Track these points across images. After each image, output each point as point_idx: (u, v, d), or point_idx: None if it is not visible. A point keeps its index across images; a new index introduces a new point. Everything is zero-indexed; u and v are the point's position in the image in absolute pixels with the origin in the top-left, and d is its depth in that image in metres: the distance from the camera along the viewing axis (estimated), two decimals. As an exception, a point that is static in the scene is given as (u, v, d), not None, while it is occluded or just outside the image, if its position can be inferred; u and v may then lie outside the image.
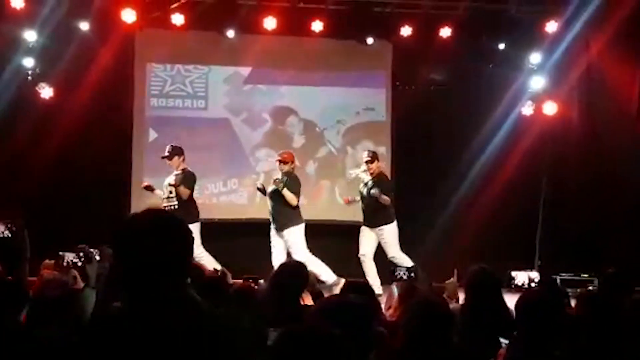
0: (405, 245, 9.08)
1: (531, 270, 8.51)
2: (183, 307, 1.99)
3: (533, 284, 8.04)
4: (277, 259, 8.07)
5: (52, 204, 9.26)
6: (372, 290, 4.71)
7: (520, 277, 8.38)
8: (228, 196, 10.10)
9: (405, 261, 8.07)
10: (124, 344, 1.94)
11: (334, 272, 8.13)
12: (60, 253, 4.70)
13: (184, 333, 1.95)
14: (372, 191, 8.39)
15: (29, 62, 9.35)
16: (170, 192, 8.26)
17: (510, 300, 3.78)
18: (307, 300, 4.66)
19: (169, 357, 1.93)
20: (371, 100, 10.51)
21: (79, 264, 3.90)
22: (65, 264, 4.49)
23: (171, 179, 8.30)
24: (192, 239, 2.10)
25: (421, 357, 2.98)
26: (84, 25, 9.32)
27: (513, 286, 8.08)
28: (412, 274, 6.14)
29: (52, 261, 5.85)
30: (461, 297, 5.28)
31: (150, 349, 1.92)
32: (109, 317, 2.09)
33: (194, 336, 1.95)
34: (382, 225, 8.52)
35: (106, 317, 2.09)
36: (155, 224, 2.05)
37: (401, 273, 6.29)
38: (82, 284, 4.16)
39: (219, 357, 1.97)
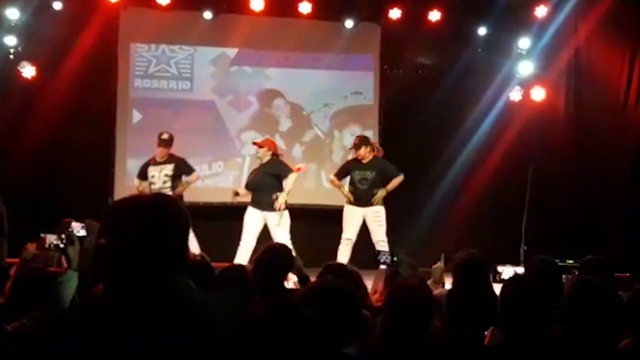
0: (393, 230, 9.03)
1: (517, 265, 8.47)
2: (175, 296, 1.88)
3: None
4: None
5: (34, 185, 9.14)
6: (357, 274, 4.66)
7: (507, 272, 8.34)
8: (213, 179, 10.00)
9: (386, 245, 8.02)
10: (104, 338, 1.82)
11: (319, 257, 8.04)
12: (42, 235, 4.59)
13: (174, 325, 1.83)
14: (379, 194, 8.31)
15: (10, 41, 9.18)
16: (165, 182, 8.12)
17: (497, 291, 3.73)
18: (293, 284, 4.61)
19: (152, 351, 1.81)
20: (359, 84, 10.43)
21: (61, 245, 3.79)
22: (47, 246, 4.39)
23: (168, 169, 8.14)
24: (190, 224, 2.01)
25: (401, 342, 2.95)
26: (67, 4, 9.15)
27: (499, 280, 8.04)
28: (395, 259, 6.11)
29: (34, 244, 5.76)
30: (448, 282, 5.24)
31: (132, 342, 1.80)
32: (89, 308, 1.97)
33: (182, 329, 1.84)
34: (381, 205, 8.41)
35: (86, 308, 1.98)
36: (157, 205, 1.95)
37: (385, 257, 6.26)
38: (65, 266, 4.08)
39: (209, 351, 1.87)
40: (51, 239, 2.49)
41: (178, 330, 1.83)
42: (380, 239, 8.23)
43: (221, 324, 1.94)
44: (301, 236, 8.15)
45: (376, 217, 8.35)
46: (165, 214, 1.94)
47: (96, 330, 1.82)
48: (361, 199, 8.30)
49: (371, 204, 8.29)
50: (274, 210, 7.95)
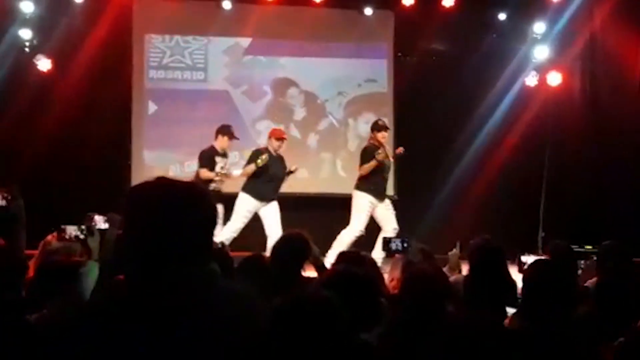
0: (408, 217, 9.03)
1: (538, 253, 8.43)
2: (198, 285, 1.81)
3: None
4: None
5: (51, 177, 9.20)
6: (373, 261, 4.68)
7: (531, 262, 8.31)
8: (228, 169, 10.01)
9: None
10: (123, 329, 1.76)
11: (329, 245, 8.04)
12: (62, 226, 4.64)
13: (197, 314, 1.77)
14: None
15: (25, 34, 9.22)
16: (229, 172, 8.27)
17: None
18: (311, 272, 4.62)
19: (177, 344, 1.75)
20: (373, 72, 10.40)
21: (81, 236, 3.83)
22: (67, 237, 4.44)
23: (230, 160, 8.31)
24: (217, 212, 1.95)
25: (417, 330, 2.96)
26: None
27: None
28: (406, 245, 6.10)
29: (54, 236, 5.81)
30: (464, 268, 5.23)
31: (152, 332, 1.75)
32: (109, 298, 1.92)
33: (206, 318, 1.78)
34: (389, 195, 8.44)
35: (106, 298, 1.93)
36: (182, 192, 1.86)
37: (397, 244, 6.25)
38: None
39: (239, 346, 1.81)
40: (71, 230, 2.50)
41: (201, 319, 1.78)
42: (395, 227, 8.21)
43: (250, 311, 1.89)
44: (317, 225, 8.12)
45: (388, 208, 8.32)
46: (191, 202, 1.85)
47: (115, 321, 1.78)
48: (379, 192, 8.28)
49: (385, 197, 8.32)
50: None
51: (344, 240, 7.99)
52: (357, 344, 2.45)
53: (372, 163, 8.02)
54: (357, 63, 10.37)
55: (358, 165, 8.33)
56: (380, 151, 8.08)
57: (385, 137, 8.31)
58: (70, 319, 2.13)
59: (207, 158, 8.23)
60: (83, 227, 2.48)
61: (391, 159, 8.32)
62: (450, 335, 2.11)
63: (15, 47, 9.23)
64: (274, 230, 7.93)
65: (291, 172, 8.38)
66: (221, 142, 8.33)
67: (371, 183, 8.16)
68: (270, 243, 7.65)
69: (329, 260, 6.55)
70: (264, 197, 8.23)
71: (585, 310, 3.37)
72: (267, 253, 4.46)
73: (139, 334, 1.75)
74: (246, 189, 8.26)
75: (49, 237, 4.76)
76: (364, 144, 8.69)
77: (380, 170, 8.15)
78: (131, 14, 9.81)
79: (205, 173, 8.15)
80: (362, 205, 8.17)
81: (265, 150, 8.28)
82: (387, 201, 8.34)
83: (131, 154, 9.79)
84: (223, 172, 8.26)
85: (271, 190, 8.29)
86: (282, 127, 9.77)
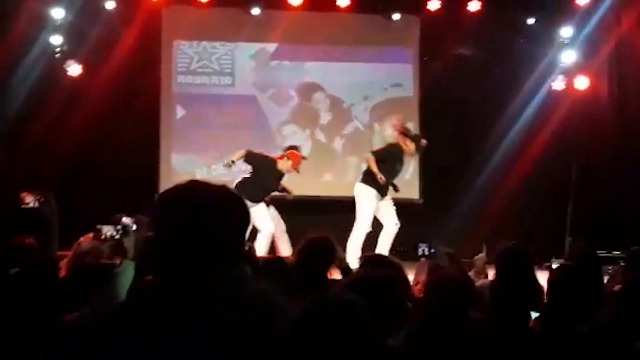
0: (434, 221, 9.03)
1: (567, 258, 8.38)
2: (232, 289, 1.83)
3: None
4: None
5: (81, 181, 9.33)
6: (399, 265, 4.68)
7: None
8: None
9: None
10: (157, 330, 1.79)
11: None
12: (98, 227, 4.72)
13: (228, 314, 1.80)
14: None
15: (56, 40, 9.38)
16: None
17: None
18: (336, 275, 4.64)
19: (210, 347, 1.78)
20: (398, 76, 10.42)
21: (117, 236, 3.89)
22: (102, 237, 4.50)
23: None
24: (247, 216, 1.95)
25: (441, 333, 2.97)
26: (111, 3, 9.33)
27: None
28: (433, 250, 6.09)
29: (88, 236, 5.89)
30: (490, 273, 5.22)
31: (185, 332, 1.77)
32: (141, 300, 1.94)
33: (238, 318, 1.80)
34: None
35: (139, 300, 1.96)
36: (214, 194, 1.90)
37: (423, 249, 6.24)
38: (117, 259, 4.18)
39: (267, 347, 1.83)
40: (107, 230, 2.55)
41: (231, 318, 1.80)
42: (397, 222, 8.07)
43: (278, 312, 1.92)
44: (342, 228, 8.15)
45: (392, 205, 8.16)
46: (223, 204, 1.89)
47: (146, 322, 1.81)
48: (384, 190, 8.08)
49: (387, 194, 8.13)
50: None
51: (355, 243, 7.91)
52: (381, 348, 2.46)
53: (375, 173, 7.86)
54: (383, 67, 10.39)
55: (372, 150, 8.16)
56: (380, 177, 7.84)
57: (413, 153, 8.16)
58: (101, 321, 2.16)
59: None
60: (119, 227, 2.52)
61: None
62: (473, 338, 2.12)
63: (47, 53, 9.40)
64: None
65: (285, 191, 8.34)
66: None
67: (377, 178, 7.93)
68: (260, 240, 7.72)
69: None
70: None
71: (609, 314, 3.36)
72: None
73: (170, 333, 1.78)
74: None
75: (81, 239, 4.86)
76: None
77: (389, 170, 7.99)
78: (160, 20, 9.95)
79: None
80: (366, 205, 7.99)
81: None
82: (389, 198, 8.15)
83: (159, 157, 9.90)
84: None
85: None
86: (307, 131, 9.83)
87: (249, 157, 8.10)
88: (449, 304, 3.08)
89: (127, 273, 2.60)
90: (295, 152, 8.29)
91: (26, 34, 9.21)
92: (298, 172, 8.18)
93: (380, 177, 7.83)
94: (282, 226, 8.14)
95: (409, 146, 8.05)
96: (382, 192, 8.01)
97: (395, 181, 8.18)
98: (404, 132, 8.17)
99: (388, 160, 8.01)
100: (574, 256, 4.98)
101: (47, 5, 9.24)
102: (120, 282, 2.60)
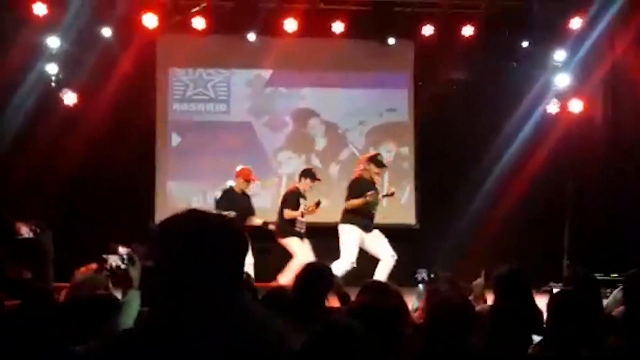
0: (430, 246, 9.01)
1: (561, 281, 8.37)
2: (231, 318, 1.84)
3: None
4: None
5: (76, 209, 9.31)
6: (398, 292, 4.65)
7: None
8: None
9: None
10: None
11: (361, 275, 8.00)
12: (104, 256, 4.70)
13: (231, 349, 1.80)
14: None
15: (52, 69, 9.41)
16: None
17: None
18: (334, 302, 4.62)
19: None
20: (393, 101, 10.46)
21: (122, 266, 3.86)
22: (109, 267, 4.47)
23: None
24: (246, 244, 1.98)
25: (443, 357, 2.95)
26: (106, 31, 9.38)
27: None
28: (432, 276, 6.06)
29: (87, 267, 5.84)
30: (489, 298, 5.20)
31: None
32: (144, 331, 1.93)
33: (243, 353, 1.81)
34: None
35: (141, 331, 1.95)
36: (213, 224, 1.91)
37: (423, 274, 6.21)
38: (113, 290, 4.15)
39: None
40: (112, 260, 2.53)
41: (232, 345, 1.81)
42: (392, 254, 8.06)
43: (279, 339, 1.93)
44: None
45: (381, 236, 8.14)
46: (222, 233, 1.91)
47: (148, 351, 1.82)
48: (370, 223, 8.10)
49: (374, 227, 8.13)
50: None
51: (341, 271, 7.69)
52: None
53: (361, 201, 7.83)
54: (378, 92, 10.44)
55: (345, 197, 8.10)
56: (370, 193, 7.84)
57: (380, 175, 8.13)
58: (106, 350, 2.16)
59: (292, 199, 8.27)
60: (125, 256, 2.50)
61: (380, 198, 8.11)
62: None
63: (42, 81, 9.41)
64: None
65: (267, 223, 8.40)
66: (304, 185, 8.34)
67: (358, 215, 7.95)
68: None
69: None
70: None
71: (612, 339, 3.34)
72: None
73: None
74: None
75: (80, 270, 4.83)
76: (386, 174, 8.66)
77: (368, 205, 7.94)
78: (155, 48, 9.99)
79: (290, 213, 8.18)
80: (350, 239, 7.96)
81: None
82: (376, 231, 8.12)
83: (155, 184, 9.89)
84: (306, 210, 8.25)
85: None
86: (303, 157, 9.83)
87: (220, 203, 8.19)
88: (450, 329, 3.06)
89: (133, 303, 2.59)
90: (243, 167, 8.39)
91: (22, 62, 9.23)
92: (256, 181, 8.43)
93: (366, 198, 7.81)
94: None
95: (370, 169, 8.01)
96: (366, 228, 7.99)
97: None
98: (364, 164, 8.14)
99: (361, 194, 7.94)
100: (572, 280, 4.98)
101: (43, 34, 9.26)
102: (128, 313, 2.59)
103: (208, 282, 1.84)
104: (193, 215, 1.92)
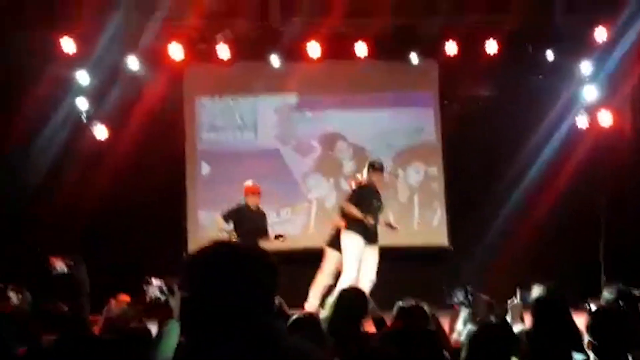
0: (463, 264, 8.94)
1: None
2: (266, 342, 1.88)
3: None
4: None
5: (108, 242, 9.36)
6: (434, 315, 4.62)
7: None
8: (282, 226, 10.02)
9: None
10: None
11: (391, 297, 7.93)
12: (145, 287, 4.73)
13: None
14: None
15: (82, 103, 9.56)
16: None
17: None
18: (370, 327, 4.60)
19: None
20: (420, 121, 10.43)
21: (162, 297, 3.91)
22: (149, 299, 4.51)
23: None
24: (277, 274, 2.01)
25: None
26: (134, 63, 9.49)
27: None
28: (470, 297, 6.00)
29: (119, 299, 5.88)
30: (526, 318, 5.14)
31: None
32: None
33: None
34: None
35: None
36: (242, 255, 1.97)
37: (459, 297, 6.15)
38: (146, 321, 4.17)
39: None
40: (152, 290, 2.54)
41: None
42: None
43: None
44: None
45: (376, 254, 8.04)
46: (252, 266, 1.96)
47: None
48: (372, 236, 8.04)
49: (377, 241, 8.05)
50: None
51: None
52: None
53: (359, 215, 7.78)
54: (404, 113, 10.42)
55: (346, 200, 8.08)
56: (369, 207, 7.83)
57: (381, 180, 8.11)
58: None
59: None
60: (164, 287, 2.52)
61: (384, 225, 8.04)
62: None
63: (72, 115, 9.55)
64: None
65: (279, 236, 8.40)
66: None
67: (361, 224, 7.86)
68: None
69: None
70: None
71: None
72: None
73: None
74: None
75: (112, 303, 4.88)
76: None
77: (368, 212, 7.86)
78: (182, 78, 10.08)
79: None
80: (353, 247, 7.87)
81: None
82: (375, 247, 8.01)
83: (186, 214, 9.95)
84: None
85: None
86: (332, 180, 9.83)
87: (227, 216, 8.33)
88: (492, 354, 3.03)
89: (173, 334, 2.61)
90: (247, 185, 8.52)
91: (52, 97, 9.39)
92: (259, 194, 8.44)
93: (366, 218, 7.78)
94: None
95: (371, 177, 8.00)
96: (368, 238, 7.90)
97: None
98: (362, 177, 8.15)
99: (362, 200, 7.91)
100: (613, 297, 4.90)
101: (72, 68, 9.42)
102: (168, 343, 2.61)
103: (240, 312, 1.89)
104: (223, 246, 1.98)
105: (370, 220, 7.81)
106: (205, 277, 1.94)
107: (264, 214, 8.62)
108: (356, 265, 7.81)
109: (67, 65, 9.40)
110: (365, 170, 8.16)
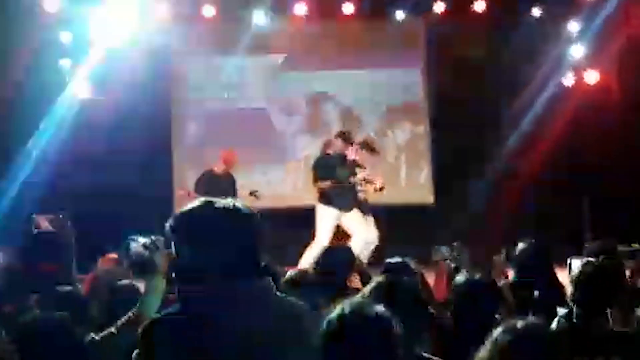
0: (448, 223, 9.00)
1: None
2: (253, 303, 1.96)
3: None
4: None
5: (95, 201, 9.29)
6: (420, 271, 4.66)
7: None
8: (271, 186, 10.03)
9: None
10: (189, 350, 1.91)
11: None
12: (127, 244, 4.73)
13: (257, 324, 1.93)
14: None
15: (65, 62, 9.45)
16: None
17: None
18: (356, 283, 4.63)
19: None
20: (406, 80, 10.41)
21: (146, 253, 3.94)
22: (132, 255, 4.51)
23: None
24: (260, 233, 2.06)
25: (470, 335, 2.96)
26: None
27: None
28: (455, 253, 6.08)
29: (107, 258, 5.90)
30: (510, 273, 5.21)
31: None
32: (168, 320, 2.01)
33: (268, 328, 1.94)
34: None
35: (165, 320, 2.03)
36: (227, 212, 2.02)
37: (443, 252, 6.22)
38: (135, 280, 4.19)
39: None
40: (135, 247, 2.54)
41: (258, 330, 1.91)
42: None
43: (304, 324, 2.04)
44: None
45: (359, 216, 8.06)
46: (233, 222, 2.01)
47: (179, 332, 1.93)
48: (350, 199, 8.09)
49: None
50: None
51: (310, 257, 7.49)
52: (411, 357, 2.46)
53: (328, 184, 7.81)
54: (390, 73, 10.38)
55: (312, 175, 8.05)
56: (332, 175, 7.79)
57: (345, 149, 7.94)
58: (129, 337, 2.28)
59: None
60: (147, 243, 2.52)
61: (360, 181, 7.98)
62: (500, 340, 2.11)
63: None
64: None
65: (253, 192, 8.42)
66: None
67: (333, 194, 7.89)
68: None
69: None
70: None
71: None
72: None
73: (198, 343, 1.90)
74: None
75: (102, 260, 4.90)
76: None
77: (331, 180, 7.84)
78: (168, 37, 9.92)
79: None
80: (322, 219, 7.95)
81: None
82: (355, 211, 8.03)
83: (173, 176, 9.93)
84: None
85: None
86: (321, 140, 9.84)
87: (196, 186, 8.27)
88: (479, 307, 3.08)
89: (158, 289, 2.63)
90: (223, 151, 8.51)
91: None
92: (231, 161, 8.41)
93: (322, 185, 7.84)
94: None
95: (336, 144, 7.99)
96: (343, 208, 7.92)
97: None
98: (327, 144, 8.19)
99: (322, 171, 7.92)
100: (595, 253, 4.96)
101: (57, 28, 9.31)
102: (152, 299, 2.64)
103: (223, 269, 1.95)
104: (206, 206, 2.03)
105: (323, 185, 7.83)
106: (188, 236, 2.00)
107: (233, 179, 8.57)
108: (326, 235, 7.86)
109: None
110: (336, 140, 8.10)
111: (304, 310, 2.10)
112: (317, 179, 7.93)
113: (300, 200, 9.40)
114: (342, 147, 7.95)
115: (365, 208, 8.12)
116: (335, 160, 7.94)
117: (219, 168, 8.48)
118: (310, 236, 8.07)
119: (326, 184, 7.84)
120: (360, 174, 7.92)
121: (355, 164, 8.00)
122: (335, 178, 7.79)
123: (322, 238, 7.82)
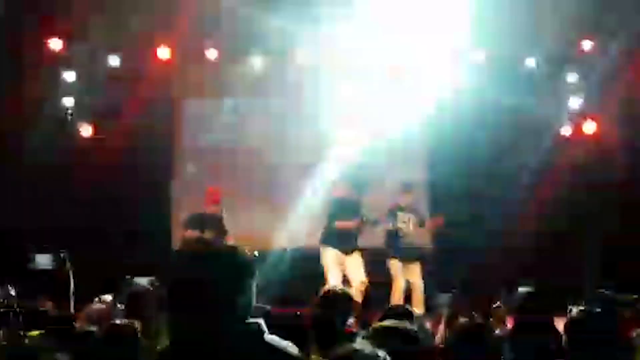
0: (448, 268, 8.99)
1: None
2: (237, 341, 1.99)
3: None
4: None
5: (95, 240, 9.27)
6: (419, 318, 4.65)
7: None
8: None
9: None
10: None
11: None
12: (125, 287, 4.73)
13: None
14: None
15: (68, 102, 9.52)
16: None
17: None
18: (355, 328, 4.61)
19: None
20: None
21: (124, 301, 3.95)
22: (130, 294, 4.52)
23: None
24: (247, 274, 2.08)
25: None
26: (123, 61, 9.46)
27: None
28: (453, 300, 6.07)
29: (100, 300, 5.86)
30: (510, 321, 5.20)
31: None
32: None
33: None
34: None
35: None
36: (218, 255, 2.08)
37: (442, 300, 6.21)
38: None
39: None
40: (134, 285, 2.55)
41: None
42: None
43: None
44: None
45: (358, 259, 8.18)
46: (226, 264, 2.05)
47: None
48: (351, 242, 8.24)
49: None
50: None
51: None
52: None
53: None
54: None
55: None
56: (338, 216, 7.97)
57: (352, 194, 8.27)
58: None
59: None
60: (147, 283, 2.53)
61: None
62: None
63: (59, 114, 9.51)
64: None
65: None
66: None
67: (330, 235, 8.04)
68: None
69: None
70: None
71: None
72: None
73: None
74: None
75: (96, 302, 4.87)
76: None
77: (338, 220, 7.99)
78: (170, 78, 10.03)
79: None
80: (325, 259, 8.04)
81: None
82: (356, 255, 8.12)
83: (171, 215, 9.93)
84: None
85: None
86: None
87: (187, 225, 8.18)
88: (473, 352, 3.07)
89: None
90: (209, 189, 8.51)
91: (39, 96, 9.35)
92: (216, 200, 8.30)
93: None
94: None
95: (345, 189, 8.19)
96: (343, 249, 8.01)
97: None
98: None
99: (331, 211, 8.08)
100: (592, 302, 4.96)
101: (60, 68, 9.39)
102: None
103: (217, 307, 1.99)
104: (195, 249, 2.24)
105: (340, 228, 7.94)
106: (180, 275, 2.05)
107: (221, 217, 8.54)
108: (332, 274, 7.89)
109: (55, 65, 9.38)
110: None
111: (291, 354, 2.12)
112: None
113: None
114: (349, 193, 8.15)
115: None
116: (343, 202, 8.10)
117: (207, 208, 8.44)
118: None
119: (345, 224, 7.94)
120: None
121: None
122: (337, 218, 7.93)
123: (332, 280, 7.79)
